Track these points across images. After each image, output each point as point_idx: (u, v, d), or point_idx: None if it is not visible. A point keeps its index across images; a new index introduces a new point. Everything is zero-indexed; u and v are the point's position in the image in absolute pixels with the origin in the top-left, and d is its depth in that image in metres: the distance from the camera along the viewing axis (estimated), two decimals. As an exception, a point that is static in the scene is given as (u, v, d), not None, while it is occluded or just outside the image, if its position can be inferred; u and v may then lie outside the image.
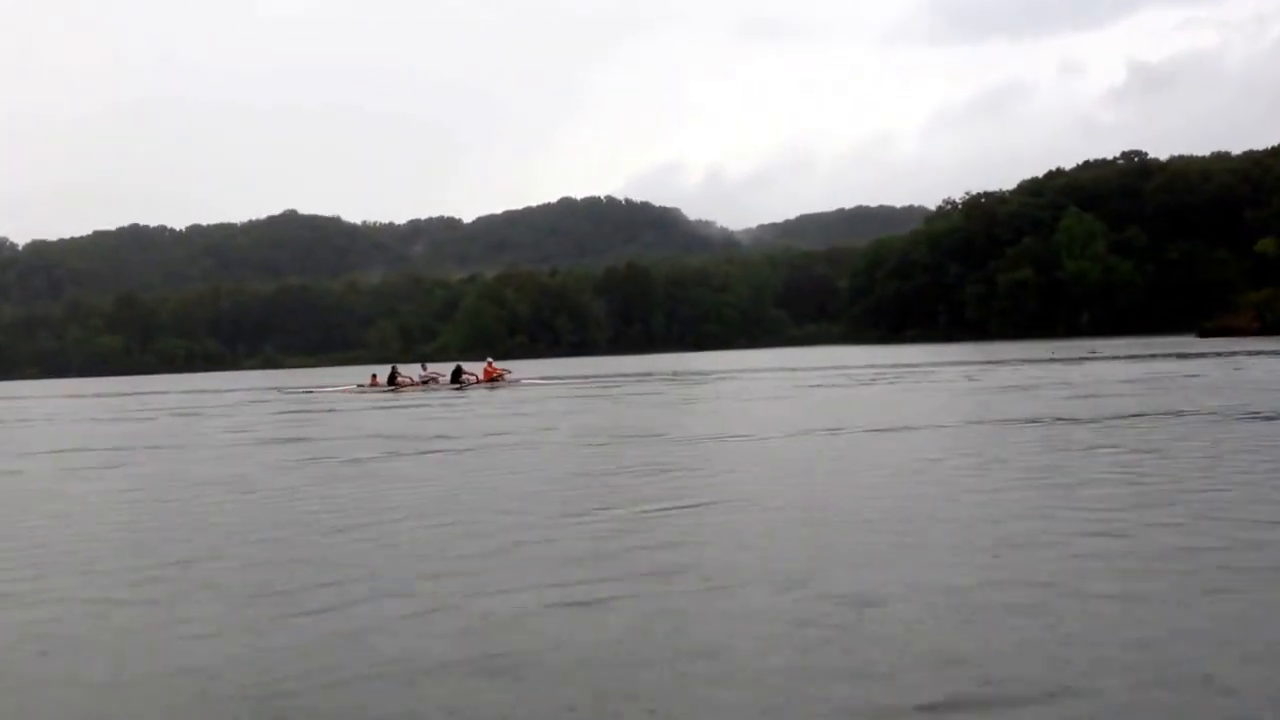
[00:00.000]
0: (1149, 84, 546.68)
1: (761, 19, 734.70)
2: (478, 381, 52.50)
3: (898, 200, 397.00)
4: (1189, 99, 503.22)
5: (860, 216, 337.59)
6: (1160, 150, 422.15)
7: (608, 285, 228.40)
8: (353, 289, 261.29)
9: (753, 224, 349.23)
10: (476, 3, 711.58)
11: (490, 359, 56.36)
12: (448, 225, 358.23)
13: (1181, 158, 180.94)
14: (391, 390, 51.45)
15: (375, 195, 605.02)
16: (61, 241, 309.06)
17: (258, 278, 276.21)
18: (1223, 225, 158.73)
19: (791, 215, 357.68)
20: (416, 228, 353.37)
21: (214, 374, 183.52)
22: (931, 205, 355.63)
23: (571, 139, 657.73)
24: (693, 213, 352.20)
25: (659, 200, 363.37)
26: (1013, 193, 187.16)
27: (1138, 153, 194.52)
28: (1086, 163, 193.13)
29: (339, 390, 54.91)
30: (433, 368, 57.23)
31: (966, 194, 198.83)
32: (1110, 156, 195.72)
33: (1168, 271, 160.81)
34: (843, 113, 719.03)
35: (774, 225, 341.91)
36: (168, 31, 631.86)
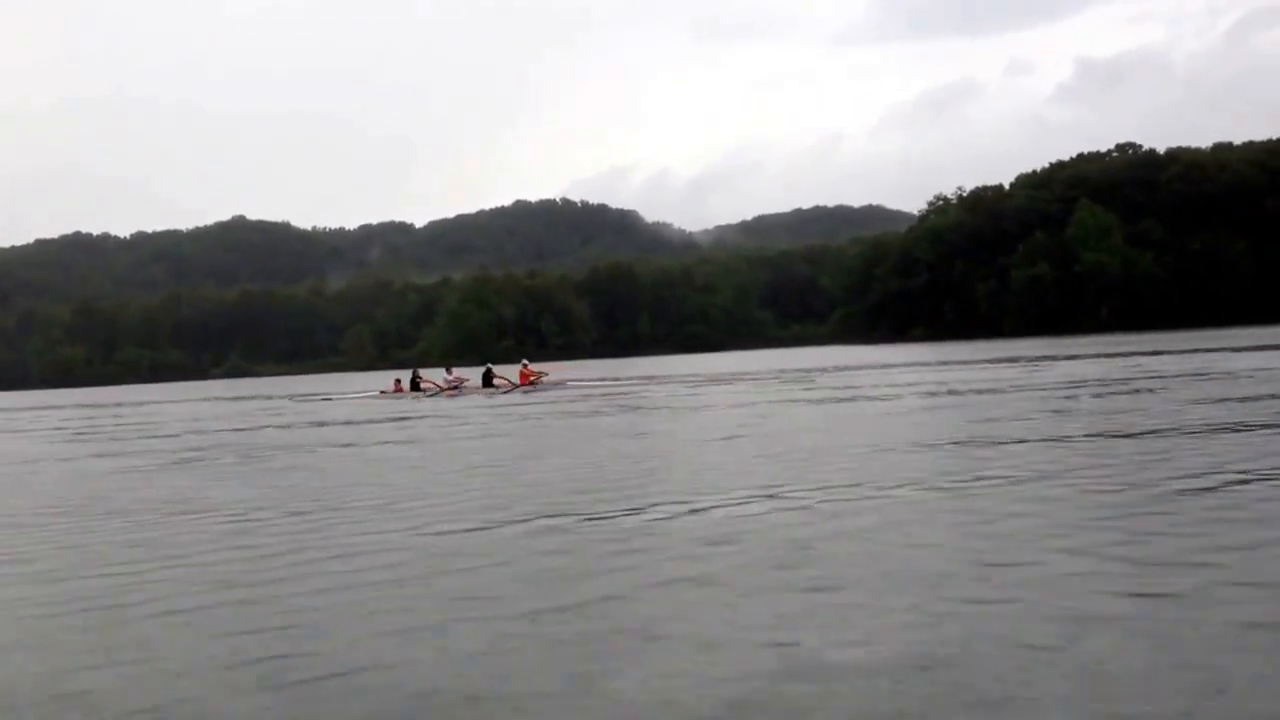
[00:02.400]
0: (1098, 81, 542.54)
1: (712, 20, 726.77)
2: (514, 386, 47.35)
3: (854, 200, 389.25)
4: (1139, 94, 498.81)
5: (819, 216, 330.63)
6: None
7: (591, 287, 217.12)
8: (318, 295, 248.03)
9: (709, 225, 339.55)
10: (421, 6, 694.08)
11: (526, 361, 51.26)
12: (400, 230, 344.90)
13: (1184, 149, 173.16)
14: (415, 396, 46.87)
15: (323, 200, 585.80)
16: (3, 251, 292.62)
17: (210, 285, 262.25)
18: (1242, 216, 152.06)
19: (748, 216, 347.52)
20: (369, 233, 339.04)
21: (187, 384, 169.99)
22: (890, 204, 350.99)
23: (519, 142, 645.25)
24: (647, 215, 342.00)
25: (612, 203, 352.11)
26: (1013, 186, 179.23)
27: (1133, 144, 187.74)
28: (1082, 155, 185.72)
29: (360, 396, 50.14)
30: (457, 372, 51.45)
31: (959, 189, 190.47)
32: (1104, 149, 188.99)
33: (1189, 263, 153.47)
34: (794, 113, 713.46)
35: (731, 226, 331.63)
36: (107, 33, 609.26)
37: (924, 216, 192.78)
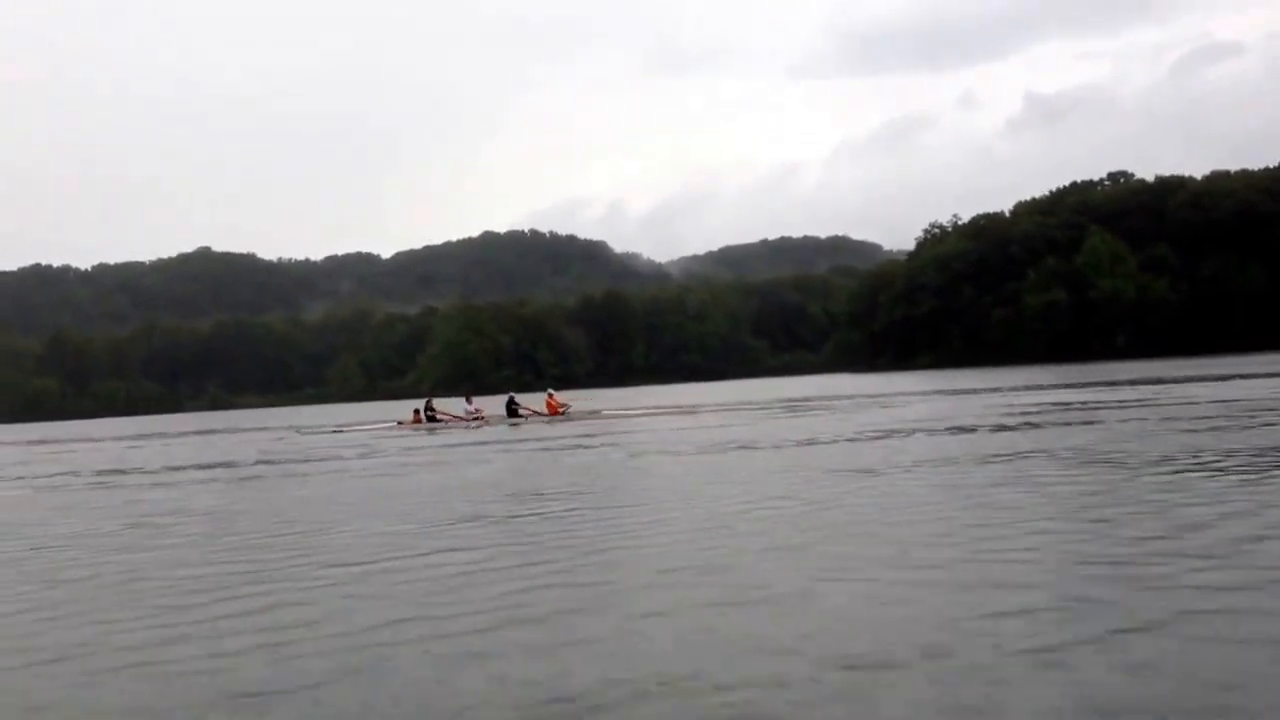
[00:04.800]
0: (1046, 115, 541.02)
1: (664, 52, 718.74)
2: (535, 413, 43.36)
3: (817, 230, 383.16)
4: (1086, 128, 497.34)
5: (786, 246, 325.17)
6: (1060, 178, 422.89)
7: (583, 315, 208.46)
8: (295, 325, 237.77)
9: (674, 255, 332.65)
10: (380, 37, 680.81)
11: (551, 390, 48.13)
12: (366, 261, 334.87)
13: (1178, 176, 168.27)
14: (429, 427, 42.74)
15: (286, 232, 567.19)
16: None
17: (174, 316, 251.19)
18: (1253, 242, 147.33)
19: (713, 247, 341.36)
20: (335, 263, 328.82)
21: (169, 416, 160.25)
22: (854, 234, 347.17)
23: (477, 174, 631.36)
24: (613, 245, 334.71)
25: (572, 234, 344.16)
26: (1015, 212, 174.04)
27: (1124, 173, 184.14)
28: (1076, 183, 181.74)
29: (376, 428, 45.08)
30: (477, 401, 47.17)
31: (955, 217, 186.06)
32: (1096, 178, 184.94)
33: (1203, 290, 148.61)
34: (748, 145, 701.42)
35: (699, 256, 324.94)
36: (67, 60, 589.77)
37: (921, 244, 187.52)
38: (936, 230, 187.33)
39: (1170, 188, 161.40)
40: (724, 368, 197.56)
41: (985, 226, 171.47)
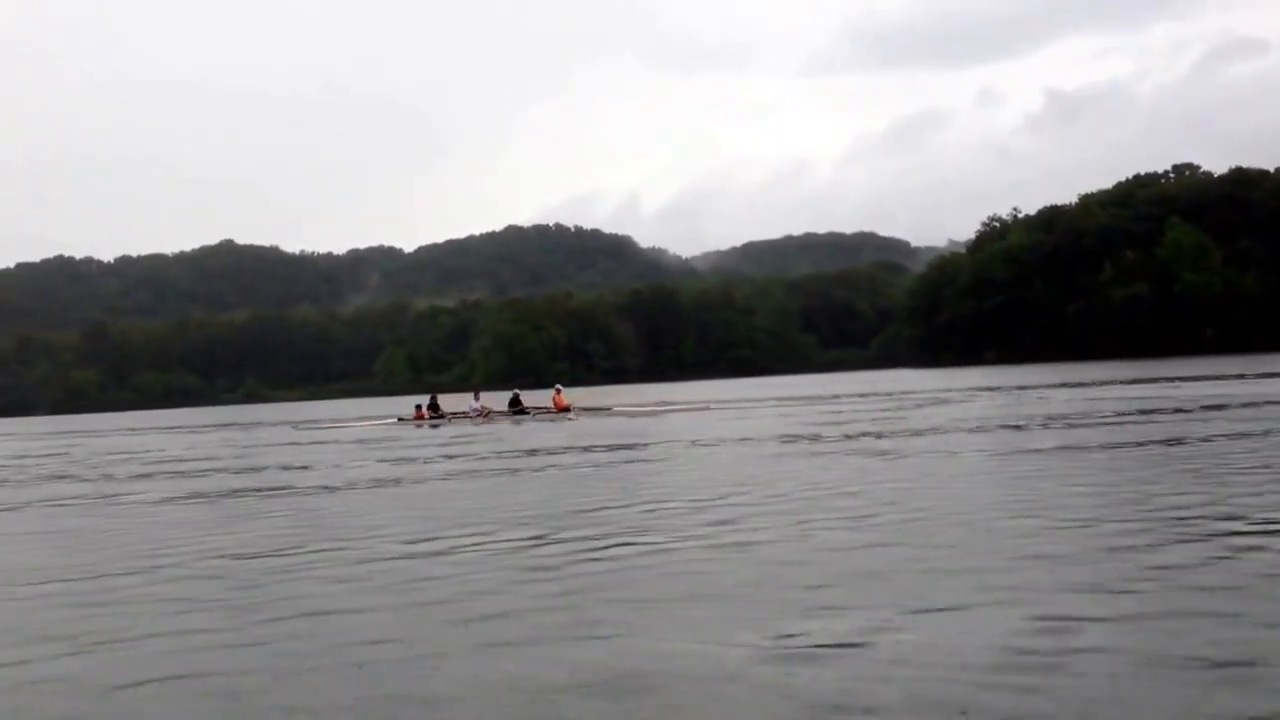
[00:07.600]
0: (1066, 111, 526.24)
1: (685, 48, 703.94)
2: (545, 412, 41.33)
3: (839, 226, 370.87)
4: (1106, 125, 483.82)
5: (811, 243, 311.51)
6: (1083, 174, 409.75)
7: (632, 309, 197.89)
8: (330, 318, 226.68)
9: (695, 250, 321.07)
10: (401, 35, 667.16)
11: (559, 386, 45.28)
12: (389, 255, 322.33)
13: (1255, 169, 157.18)
14: (437, 422, 41.62)
15: (309, 225, 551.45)
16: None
17: (199, 309, 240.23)
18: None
19: (736, 243, 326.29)
20: (358, 257, 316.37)
21: (204, 409, 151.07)
22: (879, 230, 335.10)
23: (501, 169, 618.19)
24: (638, 240, 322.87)
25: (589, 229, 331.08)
26: (1082, 204, 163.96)
27: (1189, 165, 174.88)
28: (1138, 177, 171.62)
29: (380, 424, 43.27)
30: (484, 397, 44.84)
31: (1014, 210, 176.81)
32: (1161, 170, 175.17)
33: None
34: (768, 141, 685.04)
35: (720, 252, 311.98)
36: (90, 53, 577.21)
37: (981, 237, 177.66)
38: (996, 224, 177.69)
39: (1250, 180, 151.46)
40: (774, 363, 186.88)
41: (1053, 218, 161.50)
